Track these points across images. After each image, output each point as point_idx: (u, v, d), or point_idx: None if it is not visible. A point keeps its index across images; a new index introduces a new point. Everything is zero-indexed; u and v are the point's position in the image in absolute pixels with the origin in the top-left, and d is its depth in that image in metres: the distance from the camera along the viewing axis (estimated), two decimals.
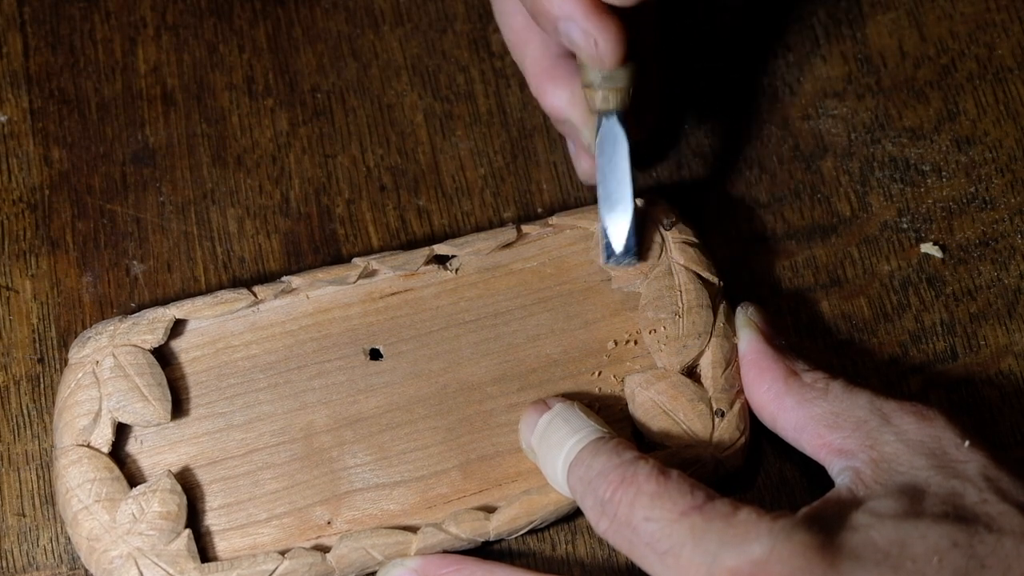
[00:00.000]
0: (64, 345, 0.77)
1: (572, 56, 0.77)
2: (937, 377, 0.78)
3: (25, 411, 0.76)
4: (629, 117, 0.75)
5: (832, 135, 0.82)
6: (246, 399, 0.74)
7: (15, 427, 0.76)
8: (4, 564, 0.74)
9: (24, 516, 0.75)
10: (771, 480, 0.76)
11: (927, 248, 0.80)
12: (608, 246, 0.76)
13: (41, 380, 0.77)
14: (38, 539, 0.74)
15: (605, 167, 0.75)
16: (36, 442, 0.76)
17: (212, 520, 0.72)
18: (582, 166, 0.80)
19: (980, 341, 0.78)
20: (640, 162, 0.81)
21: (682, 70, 0.83)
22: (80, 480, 0.71)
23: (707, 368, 0.75)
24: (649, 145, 0.82)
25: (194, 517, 0.72)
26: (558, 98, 0.77)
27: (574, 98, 0.76)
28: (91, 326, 0.75)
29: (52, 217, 0.80)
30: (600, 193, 0.76)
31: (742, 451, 0.74)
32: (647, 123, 0.80)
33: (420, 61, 0.84)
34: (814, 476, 0.73)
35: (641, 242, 0.76)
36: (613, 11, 0.71)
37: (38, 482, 0.75)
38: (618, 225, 0.76)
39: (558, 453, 0.70)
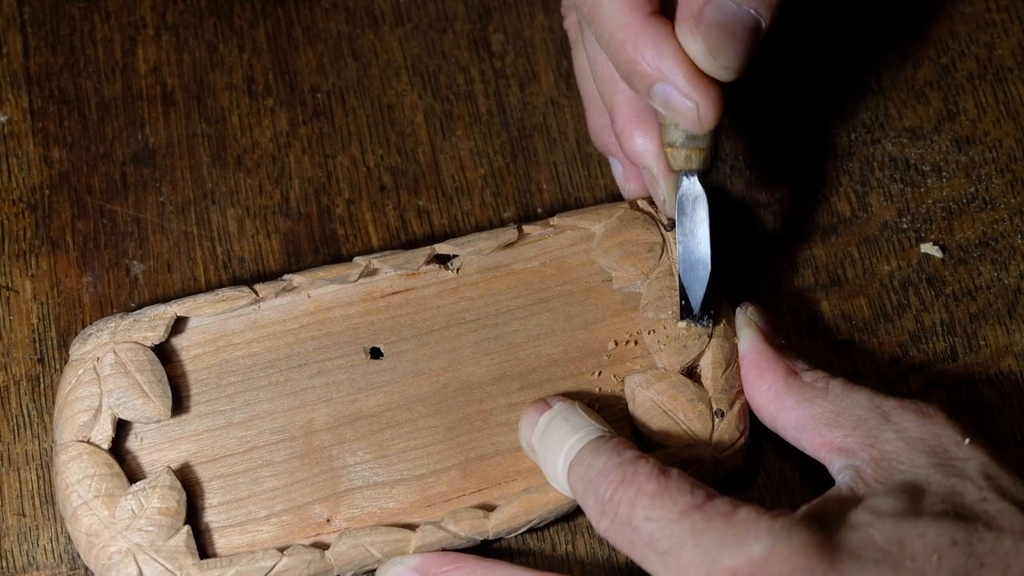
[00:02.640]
0: (64, 345, 0.77)
1: None
2: (937, 377, 0.78)
3: (25, 411, 0.76)
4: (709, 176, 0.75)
5: (832, 135, 0.82)
6: (246, 397, 0.74)
7: (15, 427, 0.76)
8: (4, 564, 0.74)
9: (24, 516, 0.74)
10: (771, 480, 0.76)
11: (927, 248, 0.80)
12: (686, 307, 0.76)
13: (41, 380, 0.77)
14: (38, 539, 0.74)
15: (685, 227, 0.75)
16: (36, 442, 0.76)
17: (211, 517, 0.72)
18: (631, 189, 0.79)
19: (980, 341, 0.78)
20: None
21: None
22: (80, 476, 0.71)
23: (707, 368, 0.75)
24: None
25: (193, 514, 0.72)
26: (644, 146, 0.76)
27: (658, 150, 0.75)
28: (92, 323, 0.75)
29: (52, 217, 0.80)
30: (680, 253, 0.75)
31: (742, 451, 0.74)
32: None
33: (420, 61, 0.84)
34: (814, 475, 0.73)
35: (717, 303, 0.76)
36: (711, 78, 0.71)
37: (38, 482, 0.75)
38: (697, 286, 0.75)
39: (559, 452, 0.70)
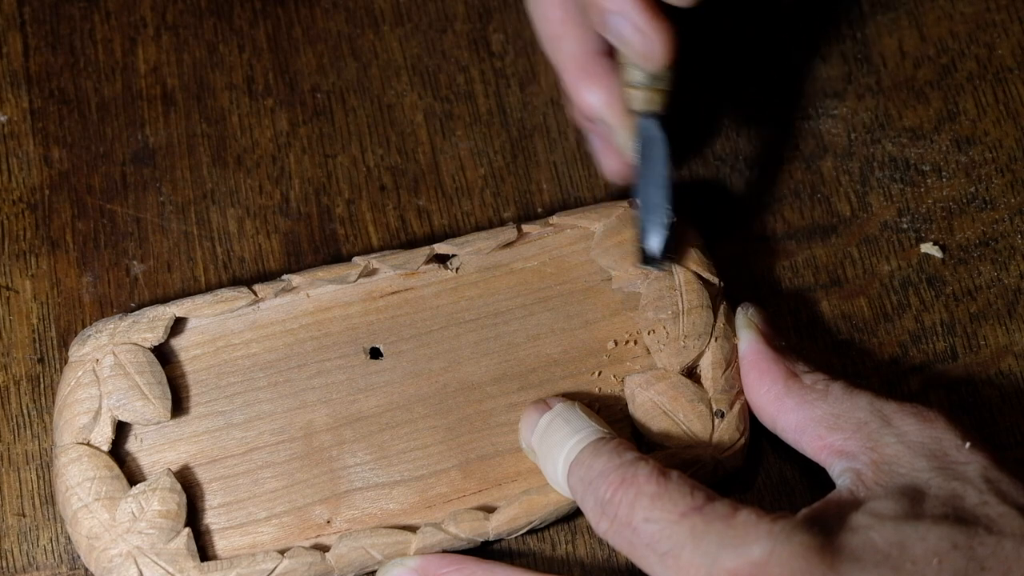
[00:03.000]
0: (64, 345, 0.77)
1: (610, 54, 0.76)
2: (937, 377, 0.78)
3: (25, 411, 0.76)
4: (667, 120, 0.75)
5: (832, 135, 0.82)
6: (246, 398, 0.74)
7: (15, 427, 0.76)
8: (4, 564, 0.74)
9: (24, 516, 0.75)
10: (771, 481, 0.76)
11: (927, 248, 0.80)
12: (644, 250, 0.76)
13: (41, 380, 0.77)
14: (38, 539, 0.74)
15: (643, 170, 0.75)
16: (36, 442, 0.76)
17: (212, 519, 0.72)
18: (609, 164, 0.79)
19: (980, 341, 0.78)
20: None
21: (681, 71, 0.83)
22: (80, 478, 0.71)
23: (707, 369, 0.75)
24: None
25: (194, 516, 0.72)
26: (594, 96, 0.76)
27: (611, 97, 0.75)
28: (91, 324, 0.75)
29: (52, 217, 0.80)
30: (638, 197, 0.75)
31: (742, 452, 0.74)
32: None
33: (420, 61, 0.84)
34: (814, 477, 0.73)
35: (676, 246, 0.76)
36: (666, 10, 0.71)
37: (38, 482, 0.75)
38: (655, 229, 0.75)
39: (558, 453, 0.70)
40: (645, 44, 0.71)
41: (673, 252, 0.76)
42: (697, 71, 0.83)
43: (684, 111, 0.83)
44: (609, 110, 0.76)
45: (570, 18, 0.76)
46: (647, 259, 0.76)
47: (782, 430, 0.73)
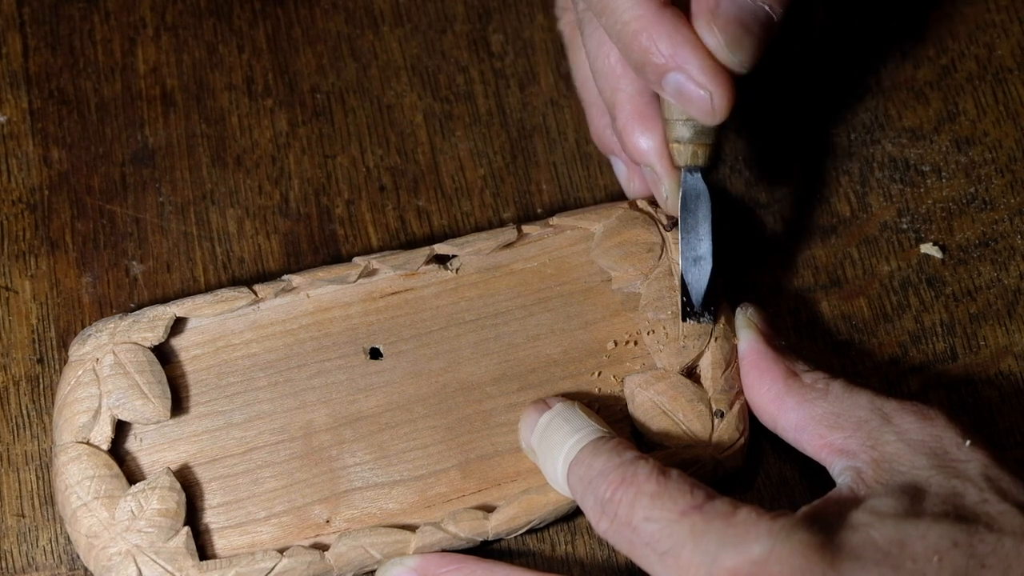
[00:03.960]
0: (64, 346, 0.77)
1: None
2: (937, 377, 0.78)
3: (25, 412, 0.76)
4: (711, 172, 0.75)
5: (832, 135, 0.82)
6: (246, 397, 0.74)
7: (15, 427, 0.76)
8: (4, 564, 0.74)
9: (24, 517, 0.74)
10: (771, 480, 0.76)
11: (927, 248, 0.80)
12: (687, 303, 0.75)
13: (40, 381, 0.77)
14: (37, 540, 0.74)
15: (687, 224, 0.75)
16: (36, 443, 0.76)
17: (211, 518, 0.72)
18: (635, 188, 0.79)
19: (980, 341, 0.78)
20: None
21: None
22: (79, 477, 0.71)
23: (707, 369, 0.75)
24: None
25: (193, 515, 0.72)
26: (646, 142, 0.76)
27: (662, 147, 0.75)
28: (91, 324, 0.75)
29: (52, 217, 0.80)
30: (681, 250, 0.75)
31: (741, 452, 0.74)
32: None
33: (420, 61, 0.84)
34: (814, 476, 0.73)
35: (718, 299, 0.76)
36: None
37: (38, 483, 0.75)
38: (698, 283, 0.75)
39: (558, 452, 0.70)
40: (707, 100, 0.70)
41: (716, 304, 0.76)
42: None
43: None
44: (657, 158, 0.75)
45: None
46: (689, 313, 0.75)
47: (782, 429, 0.73)
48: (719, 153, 0.74)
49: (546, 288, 0.77)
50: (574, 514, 0.74)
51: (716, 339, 0.75)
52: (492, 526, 0.72)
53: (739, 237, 0.80)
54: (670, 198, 0.76)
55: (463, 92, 0.84)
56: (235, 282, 0.79)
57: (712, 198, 0.75)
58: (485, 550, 0.73)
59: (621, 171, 0.80)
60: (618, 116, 0.76)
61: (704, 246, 0.75)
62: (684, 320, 0.75)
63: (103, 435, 0.72)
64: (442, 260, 0.77)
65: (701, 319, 0.75)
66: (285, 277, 0.76)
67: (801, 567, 0.63)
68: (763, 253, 0.80)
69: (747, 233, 0.81)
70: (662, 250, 0.77)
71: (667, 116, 0.73)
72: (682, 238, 0.75)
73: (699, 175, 0.74)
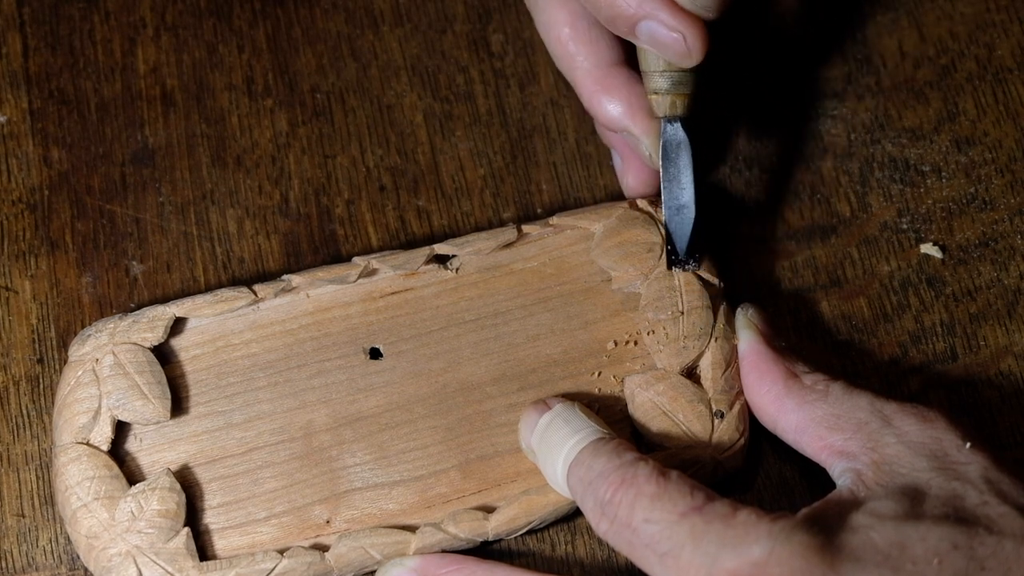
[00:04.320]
0: (64, 346, 0.77)
1: (625, 65, 0.77)
2: (937, 377, 0.78)
3: (25, 412, 0.76)
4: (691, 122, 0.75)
5: (832, 135, 0.82)
6: (246, 398, 0.74)
7: (15, 427, 0.76)
8: (4, 564, 0.74)
9: (24, 517, 0.74)
10: (771, 481, 0.76)
11: (927, 248, 0.80)
12: (671, 251, 0.76)
13: (40, 381, 0.77)
14: (37, 540, 0.74)
15: (669, 173, 0.76)
16: (36, 443, 0.76)
17: (211, 518, 0.72)
18: (629, 182, 0.79)
19: (980, 341, 0.78)
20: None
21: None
22: (79, 478, 0.71)
23: (707, 369, 0.75)
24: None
25: (193, 515, 0.72)
26: (614, 107, 0.77)
27: (632, 107, 0.76)
28: (91, 324, 0.75)
29: (52, 217, 0.80)
30: (664, 199, 0.76)
31: (741, 452, 0.74)
32: None
33: (420, 61, 0.84)
34: (814, 477, 0.73)
35: (702, 248, 0.76)
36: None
37: (38, 483, 0.75)
38: (682, 231, 0.76)
39: (558, 453, 0.70)
40: (680, 42, 0.71)
41: (700, 253, 0.76)
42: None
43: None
44: (631, 119, 0.76)
45: (579, 35, 0.77)
46: (674, 261, 0.76)
47: (782, 430, 0.73)
48: (698, 101, 0.74)
49: (546, 288, 0.77)
50: (574, 515, 0.74)
51: (716, 339, 0.75)
52: (492, 527, 0.72)
53: (739, 237, 0.80)
54: (652, 155, 0.77)
55: (463, 92, 0.84)
56: (235, 282, 0.79)
57: (692, 148, 0.75)
58: (485, 551, 0.73)
59: (617, 164, 0.80)
60: (582, 92, 0.78)
61: (687, 195, 0.76)
62: (669, 268, 0.76)
63: (103, 436, 0.72)
64: (442, 260, 0.77)
65: (686, 267, 0.76)
66: (285, 277, 0.76)
67: (801, 569, 0.63)
68: (763, 252, 0.80)
69: (747, 233, 0.81)
70: (662, 250, 0.77)
71: (644, 68, 0.74)
72: (664, 187, 0.76)
73: (679, 125, 0.75)
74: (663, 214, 0.76)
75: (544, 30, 0.78)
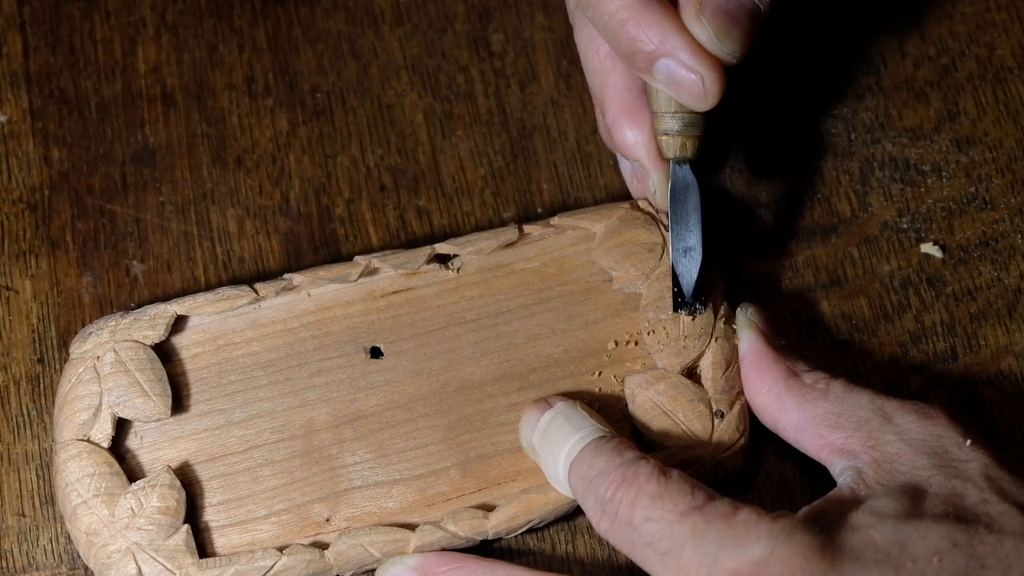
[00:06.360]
0: (64, 345, 0.77)
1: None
2: (937, 377, 0.78)
3: (25, 411, 0.76)
4: (699, 164, 0.75)
5: (832, 135, 0.82)
6: (246, 396, 0.74)
7: (15, 427, 0.76)
8: (4, 564, 0.74)
9: (24, 516, 0.74)
10: (771, 480, 0.76)
11: (927, 248, 0.80)
12: (678, 294, 0.75)
13: (41, 380, 0.77)
14: (38, 539, 0.74)
15: (677, 215, 0.75)
16: (36, 442, 0.76)
17: (211, 516, 0.72)
18: (636, 186, 0.79)
19: (980, 341, 0.78)
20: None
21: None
22: (79, 475, 0.71)
23: (707, 369, 0.75)
24: None
25: (193, 513, 0.72)
26: (633, 137, 0.76)
27: (649, 141, 0.76)
28: (92, 322, 0.75)
29: (52, 217, 0.80)
30: (671, 241, 0.75)
31: (742, 452, 0.74)
32: None
33: (420, 61, 0.84)
34: (814, 476, 0.73)
35: (709, 290, 0.76)
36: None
37: (38, 482, 0.75)
38: (689, 274, 0.75)
39: (559, 452, 0.70)
40: (698, 84, 0.71)
41: (707, 295, 0.76)
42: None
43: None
44: (646, 153, 0.76)
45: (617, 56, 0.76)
46: (680, 303, 0.75)
47: (783, 429, 0.73)
48: (706, 145, 0.74)
49: (547, 288, 0.77)
50: (574, 514, 0.74)
51: (716, 339, 0.75)
52: (492, 525, 0.72)
53: (739, 237, 0.80)
54: (658, 192, 0.77)
55: (463, 92, 0.84)
56: (235, 282, 0.79)
57: (701, 190, 0.75)
58: (485, 549, 0.73)
59: (625, 167, 0.80)
60: (607, 111, 0.77)
61: (693, 237, 0.75)
62: (675, 311, 0.75)
63: (103, 433, 0.72)
64: (443, 259, 0.77)
65: (692, 310, 0.75)
66: (286, 276, 0.76)
67: (801, 568, 0.63)
68: (763, 252, 0.80)
69: (747, 233, 0.81)
70: (663, 250, 0.77)
71: (655, 109, 0.74)
72: (672, 229, 0.75)
73: (688, 167, 0.75)
74: (670, 256, 0.76)
75: (584, 43, 0.78)
